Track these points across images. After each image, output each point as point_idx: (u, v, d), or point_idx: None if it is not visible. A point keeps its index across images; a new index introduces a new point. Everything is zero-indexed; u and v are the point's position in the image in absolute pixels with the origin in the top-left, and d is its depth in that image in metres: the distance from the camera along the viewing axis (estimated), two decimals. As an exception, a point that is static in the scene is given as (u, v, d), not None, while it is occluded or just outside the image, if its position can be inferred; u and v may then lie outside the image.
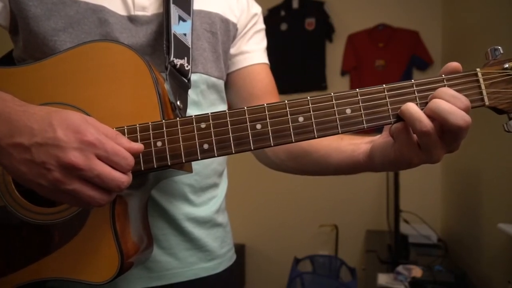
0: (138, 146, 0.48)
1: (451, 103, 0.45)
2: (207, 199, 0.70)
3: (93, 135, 0.44)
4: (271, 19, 2.59)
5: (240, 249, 2.59)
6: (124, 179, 0.45)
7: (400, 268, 1.56)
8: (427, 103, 0.48)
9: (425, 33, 2.37)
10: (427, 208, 2.19)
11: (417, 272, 1.51)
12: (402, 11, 2.42)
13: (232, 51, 0.73)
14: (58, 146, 0.42)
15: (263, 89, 0.74)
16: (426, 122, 0.46)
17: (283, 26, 2.60)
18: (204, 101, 0.68)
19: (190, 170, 0.60)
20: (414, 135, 0.48)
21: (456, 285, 1.43)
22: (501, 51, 0.47)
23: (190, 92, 0.63)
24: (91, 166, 0.43)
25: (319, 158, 0.64)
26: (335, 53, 2.54)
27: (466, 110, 0.45)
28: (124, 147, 0.46)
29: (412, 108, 0.47)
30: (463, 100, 0.46)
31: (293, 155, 0.69)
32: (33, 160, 0.43)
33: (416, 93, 0.48)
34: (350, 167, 0.60)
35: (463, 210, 1.90)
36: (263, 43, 0.78)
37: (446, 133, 0.47)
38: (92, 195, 0.44)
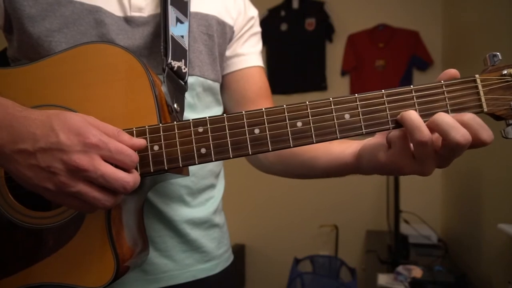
0: (140, 142, 0.48)
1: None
2: (204, 200, 0.70)
3: (95, 137, 0.44)
4: (271, 19, 2.59)
5: (240, 249, 2.59)
6: (129, 179, 0.45)
7: (400, 269, 1.56)
8: (426, 109, 0.47)
9: (425, 33, 2.37)
10: (427, 208, 2.19)
11: (417, 272, 1.51)
12: (402, 11, 2.41)
13: (227, 53, 0.73)
14: (62, 150, 0.43)
15: (257, 92, 0.74)
16: (425, 133, 0.45)
17: (283, 26, 2.60)
18: (199, 103, 0.67)
19: (187, 174, 0.59)
20: (411, 144, 0.48)
21: (456, 286, 1.43)
22: (500, 57, 0.47)
23: (186, 94, 0.63)
24: (95, 166, 0.43)
25: (307, 160, 0.64)
26: (335, 53, 2.53)
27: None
28: (126, 144, 0.46)
29: (413, 115, 0.46)
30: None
31: (282, 157, 0.69)
32: (39, 165, 0.43)
33: (415, 99, 0.48)
34: (338, 168, 0.60)
35: (463, 210, 1.90)
36: (259, 46, 0.78)
37: (443, 148, 0.46)
38: (97, 196, 0.44)
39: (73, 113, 0.46)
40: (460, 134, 0.44)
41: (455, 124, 0.44)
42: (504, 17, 1.40)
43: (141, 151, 0.49)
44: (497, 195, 1.45)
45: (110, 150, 0.44)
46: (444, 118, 0.45)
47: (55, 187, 0.44)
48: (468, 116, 0.45)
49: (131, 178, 0.45)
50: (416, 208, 2.03)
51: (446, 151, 0.46)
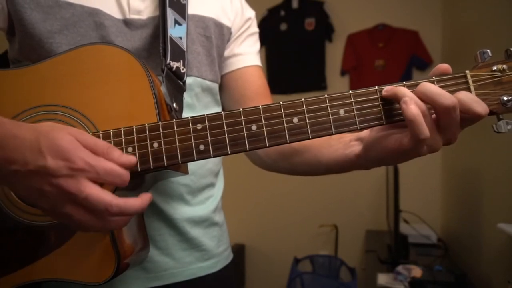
0: (130, 159, 0.47)
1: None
2: (204, 199, 0.70)
3: (82, 161, 0.44)
4: (271, 19, 2.60)
5: (240, 249, 2.60)
6: (114, 201, 0.44)
7: (400, 268, 1.56)
8: None
9: (425, 33, 2.37)
10: (427, 208, 2.19)
11: (417, 272, 1.51)
12: (402, 11, 2.42)
13: (226, 53, 0.74)
14: (50, 174, 0.43)
15: (255, 91, 0.74)
16: (447, 96, 0.45)
17: (283, 26, 2.60)
18: (198, 104, 0.68)
19: (186, 172, 0.60)
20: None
21: (456, 285, 1.43)
22: (490, 54, 0.48)
23: (184, 95, 0.64)
24: (80, 189, 0.43)
25: (310, 158, 0.65)
26: (335, 53, 2.54)
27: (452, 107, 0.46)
28: (116, 162, 0.46)
29: (432, 86, 0.46)
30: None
31: (285, 155, 0.69)
32: (32, 186, 0.44)
33: None
34: (342, 166, 0.60)
35: (463, 210, 1.90)
36: (256, 46, 0.79)
37: (437, 117, 0.47)
38: (82, 219, 0.44)
39: (63, 131, 0.45)
40: (446, 98, 0.45)
41: (441, 91, 0.45)
42: (504, 17, 1.40)
43: (140, 148, 0.50)
44: (497, 194, 1.45)
45: (98, 172, 0.44)
46: (429, 87, 0.46)
47: (48, 207, 0.45)
48: (460, 94, 0.46)
49: (115, 202, 0.44)
50: (416, 208, 2.03)
51: (442, 120, 0.46)
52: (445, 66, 0.49)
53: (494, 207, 1.47)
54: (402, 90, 0.47)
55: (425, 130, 0.45)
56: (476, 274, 1.59)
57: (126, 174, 0.46)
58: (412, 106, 0.45)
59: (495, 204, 1.46)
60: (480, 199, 1.61)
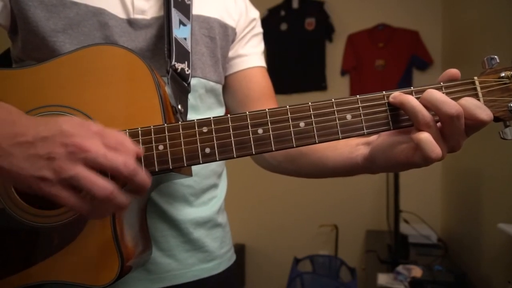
0: (139, 150, 0.48)
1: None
2: (207, 200, 0.70)
3: (98, 127, 0.45)
4: (271, 19, 2.60)
5: (240, 249, 2.60)
6: (129, 160, 0.44)
7: (400, 268, 1.57)
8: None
9: (425, 33, 2.38)
10: (427, 208, 2.20)
11: (417, 272, 1.51)
12: (402, 11, 2.42)
13: (230, 54, 0.74)
14: (65, 135, 0.43)
15: (260, 92, 0.74)
16: (425, 113, 0.45)
17: (283, 26, 2.60)
18: (201, 105, 0.68)
19: (189, 174, 0.60)
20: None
21: (455, 285, 1.43)
22: (497, 60, 0.48)
23: (188, 96, 0.64)
24: (97, 146, 0.43)
25: (316, 160, 0.65)
26: (335, 53, 2.54)
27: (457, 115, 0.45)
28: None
29: (437, 94, 0.46)
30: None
31: (290, 157, 0.69)
32: (37, 154, 0.42)
33: None
34: (348, 169, 0.60)
35: (463, 210, 1.90)
36: (260, 46, 0.79)
37: (442, 126, 0.46)
38: (94, 180, 0.42)
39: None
40: (451, 107, 0.44)
41: (446, 99, 0.45)
42: (504, 17, 1.40)
43: (146, 150, 0.50)
44: (497, 194, 1.45)
45: (110, 141, 0.44)
46: (434, 94, 0.45)
47: (52, 174, 0.42)
48: (463, 100, 0.46)
49: (131, 161, 0.44)
50: (416, 208, 2.04)
51: (446, 128, 0.46)
52: (453, 71, 0.48)
53: (494, 207, 1.47)
54: (408, 100, 0.46)
55: (436, 150, 0.45)
56: (476, 274, 1.60)
57: (134, 151, 0.46)
58: (424, 134, 0.45)
59: (495, 204, 1.47)
60: (480, 199, 1.61)
